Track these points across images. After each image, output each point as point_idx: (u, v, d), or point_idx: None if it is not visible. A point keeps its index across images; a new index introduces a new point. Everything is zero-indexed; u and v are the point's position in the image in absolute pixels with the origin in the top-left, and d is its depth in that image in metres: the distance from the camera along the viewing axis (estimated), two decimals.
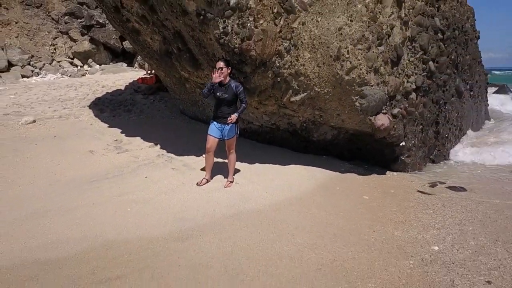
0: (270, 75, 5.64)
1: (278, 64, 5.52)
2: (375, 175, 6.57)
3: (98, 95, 10.58)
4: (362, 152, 6.89)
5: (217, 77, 5.00)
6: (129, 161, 6.18)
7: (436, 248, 4.08)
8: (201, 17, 5.24)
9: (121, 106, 9.59)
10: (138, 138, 7.40)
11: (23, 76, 18.75)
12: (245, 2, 5.19)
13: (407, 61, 6.45)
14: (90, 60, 24.25)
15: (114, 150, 6.72)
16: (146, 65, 13.94)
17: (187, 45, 6.01)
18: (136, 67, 22.74)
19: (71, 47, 24.72)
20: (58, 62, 23.41)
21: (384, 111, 6.06)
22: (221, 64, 5.11)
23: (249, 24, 5.24)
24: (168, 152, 6.77)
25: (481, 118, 10.45)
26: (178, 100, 9.05)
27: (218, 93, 5.19)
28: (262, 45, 5.30)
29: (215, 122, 5.35)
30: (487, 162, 7.61)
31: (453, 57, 8.06)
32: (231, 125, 5.24)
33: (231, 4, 5.13)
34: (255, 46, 5.29)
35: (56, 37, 25.03)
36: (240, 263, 3.51)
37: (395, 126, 6.19)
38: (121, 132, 7.72)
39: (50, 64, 23.25)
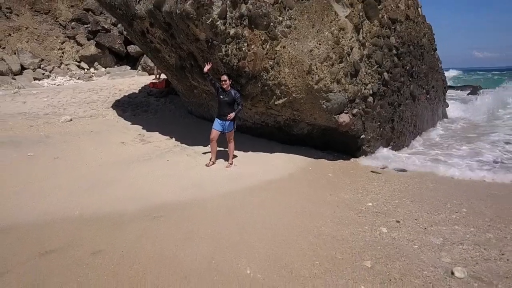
0: (259, 85, 7.63)
1: (265, 77, 7.51)
2: (341, 160, 8.59)
3: (117, 97, 12.53)
4: (332, 143, 8.89)
5: (208, 68, 7.17)
6: (153, 150, 8.18)
7: (370, 204, 6.08)
8: (209, 43, 7.22)
9: (139, 107, 11.54)
10: (157, 133, 9.38)
11: (35, 79, 20.52)
12: (241, 32, 7.17)
13: (365, 73, 8.47)
14: (96, 63, 26.06)
15: (139, 141, 8.70)
16: (155, 71, 15.88)
17: (198, 62, 8.00)
18: (139, 70, 24.60)
19: (78, 51, 26.57)
20: (66, 65, 25.26)
21: (346, 111, 8.07)
22: (225, 77, 7.15)
23: (244, 48, 7.22)
24: (181, 143, 8.77)
25: (437, 116, 12.50)
26: (187, 102, 11.04)
27: (221, 97, 7.23)
28: (253, 64, 7.29)
29: (218, 119, 7.38)
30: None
31: (407, 67, 10.09)
32: (230, 121, 7.27)
33: (231, 34, 7.11)
34: (248, 64, 7.28)
35: (63, 42, 26.88)
36: (238, 209, 5.51)
37: (355, 123, 8.21)
38: (142, 128, 9.69)
39: (59, 67, 25.08)
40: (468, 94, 23.59)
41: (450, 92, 22.90)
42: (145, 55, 23.39)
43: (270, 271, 3.89)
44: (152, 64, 23.10)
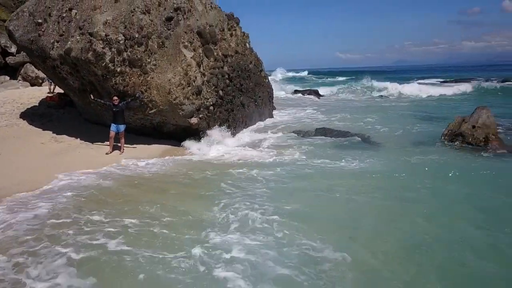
0: (138, 101, 12.26)
1: (141, 97, 12.17)
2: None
3: (22, 110, 15.67)
4: (189, 135, 13.89)
5: (113, 101, 11.56)
6: (67, 147, 12.18)
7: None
8: (104, 77, 11.61)
9: (44, 117, 14.97)
10: (65, 135, 13.23)
11: None
12: (124, 70, 11.71)
13: (206, 92, 13.66)
14: None
15: (54, 142, 12.57)
16: (50, 86, 19.08)
17: (96, 87, 12.27)
18: (20, 80, 26.57)
19: None
20: None
21: (195, 116, 13.15)
22: (115, 97, 11.66)
23: (126, 79, 11.78)
24: (85, 141, 12.86)
25: (264, 117, 18.48)
26: (85, 112, 14.96)
27: (114, 109, 11.72)
28: (133, 89, 11.90)
29: (113, 124, 11.84)
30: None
31: (238, 86, 15.64)
32: (122, 124, 11.80)
33: (118, 71, 11.61)
34: (130, 89, 11.86)
35: None
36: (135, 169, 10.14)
37: (201, 124, 13.34)
38: (53, 133, 13.41)
39: None
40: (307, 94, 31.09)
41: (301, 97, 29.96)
42: (25, 65, 25.69)
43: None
44: (33, 75, 25.67)
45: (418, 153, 11.92)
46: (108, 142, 12.10)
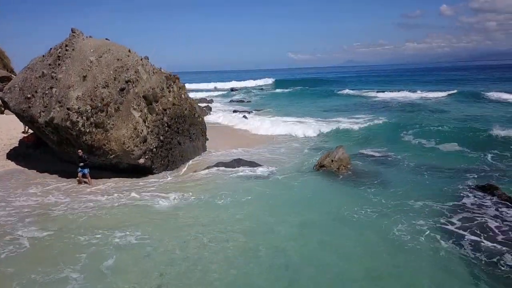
0: (101, 151, 17.69)
1: (104, 147, 17.61)
2: (143, 177, 19.22)
3: (6, 151, 20.51)
4: (140, 170, 19.45)
5: (78, 153, 17.04)
6: (51, 178, 17.35)
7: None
8: (77, 136, 16.98)
9: (26, 156, 19.88)
10: (47, 173, 18.34)
11: None
12: (92, 130, 17.13)
13: (150, 139, 19.27)
14: None
15: (42, 177, 17.70)
16: (25, 128, 23.80)
17: (71, 141, 17.58)
18: None
19: None
20: None
21: (142, 157, 18.75)
22: (79, 150, 17.11)
23: (93, 137, 17.20)
24: (61, 177, 18.06)
25: (198, 150, 24.30)
26: (60, 153, 20.08)
27: (79, 159, 17.13)
28: (99, 143, 17.34)
29: (79, 168, 17.26)
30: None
31: (175, 130, 21.37)
32: (86, 169, 17.26)
33: (87, 131, 17.01)
34: (96, 143, 17.31)
35: None
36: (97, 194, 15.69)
37: (146, 163, 18.96)
38: (37, 171, 18.46)
39: None
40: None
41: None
42: None
43: None
44: None
45: (294, 177, 18.25)
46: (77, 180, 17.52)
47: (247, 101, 61.48)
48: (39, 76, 17.76)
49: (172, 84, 22.22)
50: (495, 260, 10.29)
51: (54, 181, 17.81)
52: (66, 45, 18.36)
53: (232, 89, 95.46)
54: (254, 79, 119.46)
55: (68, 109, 16.65)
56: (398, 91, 60.83)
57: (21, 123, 24.20)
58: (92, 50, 18.46)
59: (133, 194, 16.10)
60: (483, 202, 14.25)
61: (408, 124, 30.00)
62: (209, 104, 52.77)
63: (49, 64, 18.06)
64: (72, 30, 19.05)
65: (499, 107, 41.51)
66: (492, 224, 12.38)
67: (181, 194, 16.09)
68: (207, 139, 26.23)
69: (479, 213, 13.25)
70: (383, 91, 61.64)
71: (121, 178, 18.66)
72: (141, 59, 20.55)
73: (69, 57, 18.03)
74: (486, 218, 12.80)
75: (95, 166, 19.02)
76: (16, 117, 19.81)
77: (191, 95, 65.51)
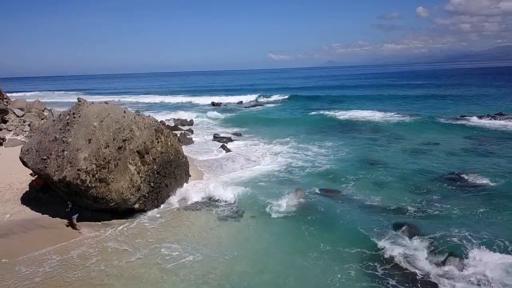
0: (104, 200, 21.91)
1: (106, 198, 21.82)
2: (131, 218, 23.48)
3: (20, 195, 24.43)
4: (127, 212, 23.70)
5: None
6: (62, 221, 21.47)
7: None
8: (85, 189, 21.17)
9: (38, 200, 23.85)
10: (58, 218, 22.39)
11: None
12: (96, 184, 21.33)
13: (142, 186, 23.55)
14: None
15: (55, 221, 21.79)
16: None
17: (79, 193, 21.73)
18: None
19: None
20: None
21: (136, 203, 23.02)
22: (69, 203, 21.34)
23: (98, 189, 21.40)
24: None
25: (182, 181, 28.61)
26: (68, 199, 24.14)
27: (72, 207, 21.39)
28: (102, 193, 21.56)
29: (71, 213, 21.52)
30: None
31: (163, 174, 25.68)
32: (76, 214, 21.52)
33: (93, 186, 21.21)
34: (100, 194, 21.52)
35: None
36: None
37: (141, 207, 23.23)
38: (49, 216, 22.50)
39: None
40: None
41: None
42: None
43: None
44: None
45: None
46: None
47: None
48: (52, 140, 21.86)
49: (160, 135, 26.54)
50: None
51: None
52: (74, 113, 22.51)
53: (213, 104, 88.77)
54: (246, 93, 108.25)
55: (78, 170, 20.82)
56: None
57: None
58: (95, 116, 22.66)
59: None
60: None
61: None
62: (191, 127, 56.08)
63: (60, 129, 22.17)
64: (78, 100, 23.24)
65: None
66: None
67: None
68: (190, 176, 30.65)
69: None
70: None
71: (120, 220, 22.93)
72: (135, 117, 24.82)
73: (76, 123, 22.18)
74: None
75: (97, 210, 23.20)
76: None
77: (173, 115, 68.03)
